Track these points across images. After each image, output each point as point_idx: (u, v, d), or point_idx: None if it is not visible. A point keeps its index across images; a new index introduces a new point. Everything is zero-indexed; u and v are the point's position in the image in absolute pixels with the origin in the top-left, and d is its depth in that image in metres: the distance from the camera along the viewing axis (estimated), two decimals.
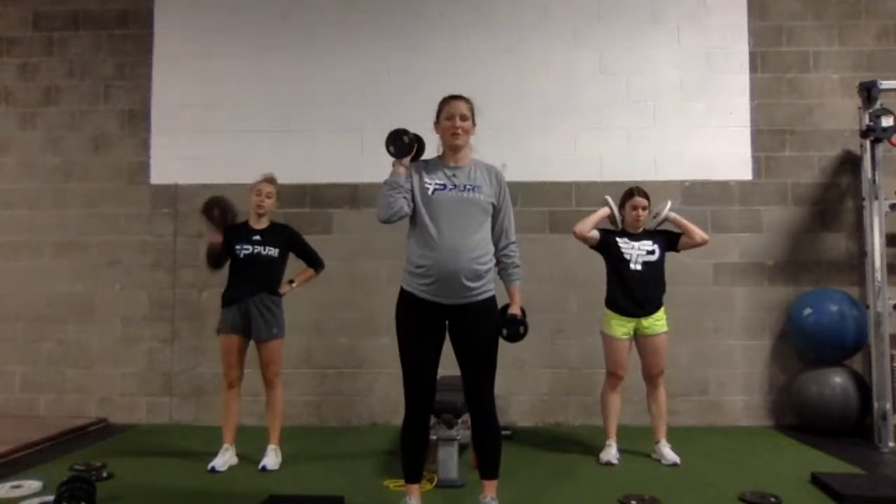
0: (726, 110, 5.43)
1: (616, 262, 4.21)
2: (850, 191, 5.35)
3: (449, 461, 3.69)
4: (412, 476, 3.14)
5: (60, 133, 5.63)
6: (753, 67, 5.45)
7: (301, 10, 5.57)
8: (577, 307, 5.28)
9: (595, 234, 4.21)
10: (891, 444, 4.58)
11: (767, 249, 5.39)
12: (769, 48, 5.47)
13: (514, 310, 3.13)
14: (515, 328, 3.09)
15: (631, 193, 4.27)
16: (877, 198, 4.84)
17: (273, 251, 4.11)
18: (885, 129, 4.80)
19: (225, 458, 4.04)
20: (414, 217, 3.07)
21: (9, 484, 3.63)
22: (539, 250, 5.28)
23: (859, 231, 5.24)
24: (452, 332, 3.07)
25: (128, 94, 5.61)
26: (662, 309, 4.22)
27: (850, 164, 5.36)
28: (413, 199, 3.06)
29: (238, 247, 4.09)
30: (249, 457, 4.15)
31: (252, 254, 4.08)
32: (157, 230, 5.52)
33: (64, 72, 5.66)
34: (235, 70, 5.55)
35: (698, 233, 4.24)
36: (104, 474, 3.81)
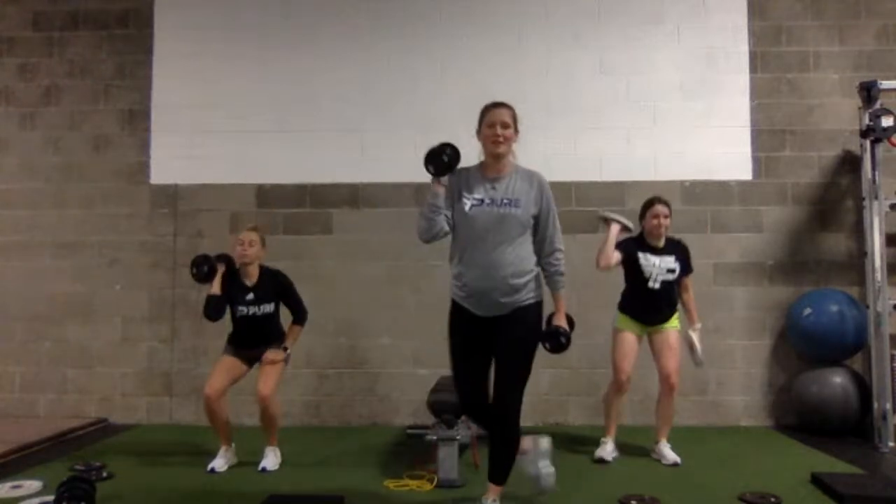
0: (726, 110, 5.43)
1: (635, 278, 4.18)
2: (850, 191, 5.35)
3: (449, 461, 3.68)
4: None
5: (60, 133, 5.63)
6: (753, 67, 5.45)
7: (301, 9, 5.57)
8: (577, 307, 5.22)
9: (617, 256, 4.13)
10: (891, 444, 4.58)
11: (767, 249, 5.39)
12: (769, 48, 5.47)
13: (558, 319, 3.13)
14: (557, 340, 3.09)
15: (651, 202, 4.20)
16: (877, 198, 4.84)
17: (268, 307, 4.11)
18: (885, 129, 4.80)
19: (226, 458, 4.05)
20: (454, 216, 3.06)
21: (9, 484, 3.63)
22: None
23: (859, 231, 5.23)
24: (495, 336, 3.05)
25: (128, 94, 5.62)
26: (677, 313, 4.23)
27: (850, 164, 5.36)
28: (452, 212, 3.05)
29: (236, 308, 4.11)
30: (249, 457, 4.14)
31: (248, 315, 4.10)
32: (157, 230, 5.52)
33: (64, 72, 5.66)
34: (235, 70, 5.55)
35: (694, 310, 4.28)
36: (104, 474, 3.81)
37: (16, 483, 3.65)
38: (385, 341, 5.38)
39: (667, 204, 4.19)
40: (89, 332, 5.47)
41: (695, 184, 5.40)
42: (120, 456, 4.29)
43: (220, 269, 4.14)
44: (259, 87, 5.53)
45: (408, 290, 5.36)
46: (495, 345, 3.05)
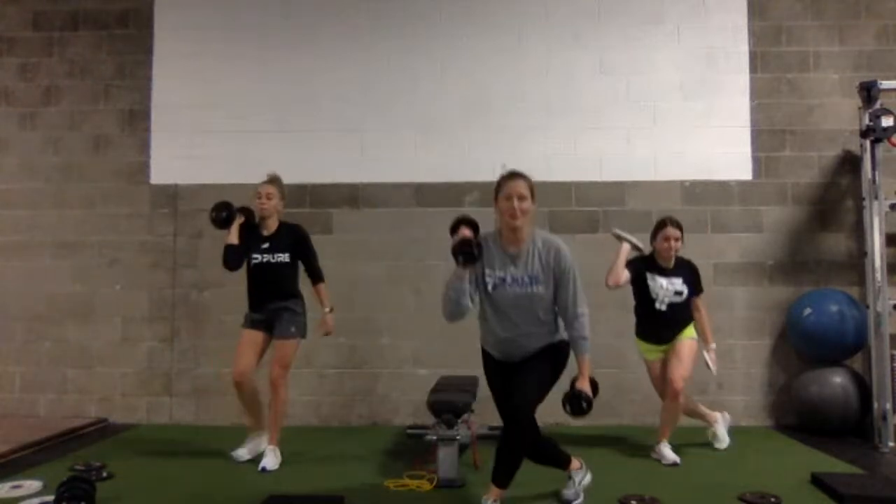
0: (726, 110, 5.43)
1: (643, 298, 4.22)
2: (850, 191, 5.35)
3: (449, 461, 3.68)
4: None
5: (60, 133, 5.63)
6: (753, 67, 5.45)
7: (301, 9, 5.57)
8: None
9: (627, 275, 4.14)
10: (891, 444, 4.58)
11: (767, 249, 5.39)
12: (769, 48, 5.47)
13: (582, 383, 3.16)
14: (578, 404, 3.12)
15: (663, 224, 4.22)
16: (877, 198, 4.84)
17: (283, 256, 4.13)
18: (885, 129, 4.80)
19: (255, 444, 4.15)
20: (479, 297, 3.18)
21: (9, 484, 3.63)
22: None
23: (859, 231, 5.23)
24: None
25: (128, 94, 5.62)
26: (691, 324, 4.25)
27: (850, 164, 5.36)
28: (476, 283, 3.13)
29: (251, 256, 4.13)
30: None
31: (262, 263, 4.11)
32: (157, 230, 5.52)
33: (64, 72, 5.66)
34: (235, 70, 5.55)
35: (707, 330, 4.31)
36: (104, 474, 3.80)
37: (16, 483, 3.65)
38: (385, 341, 5.38)
39: (679, 226, 4.21)
40: (89, 332, 5.47)
41: (695, 184, 5.40)
42: (120, 456, 4.29)
43: (239, 219, 4.18)
44: (259, 87, 5.53)
45: (408, 290, 5.36)
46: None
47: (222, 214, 4.19)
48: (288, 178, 5.45)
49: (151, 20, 5.62)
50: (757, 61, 5.46)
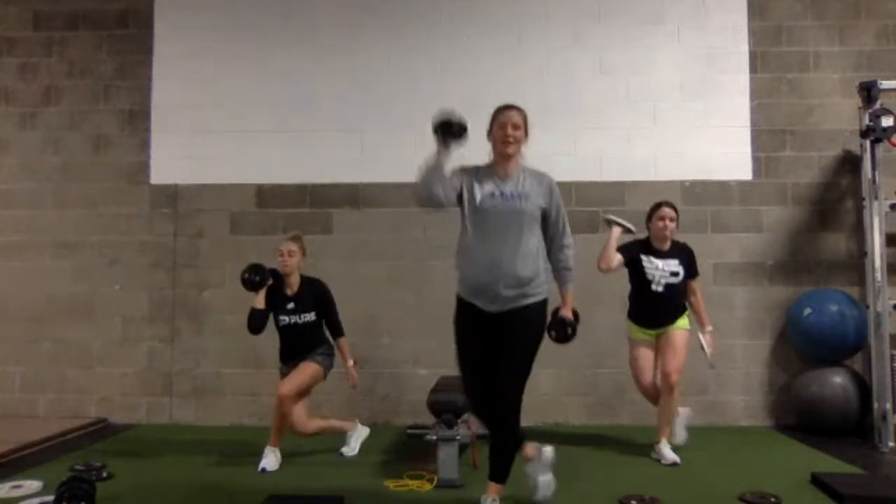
0: (726, 110, 5.43)
1: (638, 280, 4.21)
2: (850, 191, 5.35)
3: (449, 461, 3.68)
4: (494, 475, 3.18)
5: (60, 133, 5.63)
6: (753, 67, 5.45)
7: (301, 9, 5.57)
8: (577, 307, 5.26)
9: (619, 258, 4.16)
10: (891, 444, 4.58)
11: (767, 249, 5.39)
12: (769, 48, 5.47)
13: (566, 312, 3.19)
14: (563, 329, 3.14)
15: (659, 205, 4.25)
16: (877, 198, 4.84)
17: (309, 316, 4.18)
18: (885, 129, 4.80)
19: (276, 456, 4.10)
20: (463, 216, 3.13)
21: (9, 484, 3.63)
22: None
23: (859, 231, 5.23)
24: (497, 336, 3.08)
25: (128, 94, 5.61)
26: (685, 314, 4.24)
27: (850, 164, 5.36)
28: (461, 205, 3.10)
29: (277, 317, 4.19)
30: (249, 457, 4.14)
31: (290, 324, 4.17)
32: (157, 230, 5.52)
33: (64, 72, 5.66)
34: (235, 70, 5.55)
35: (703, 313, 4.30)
36: (104, 474, 3.81)
37: (16, 483, 3.65)
38: (385, 341, 5.38)
39: (674, 207, 4.23)
40: (89, 332, 5.47)
41: (695, 184, 5.40)
42: (120, 456, 4.29)
43: (268, 282, 4.20)
44: (259, 87, 5.53)
45: (408, 290, 5.36)
46: (500, 342, 3.06)
47: (255, 278, 4.20)
48: (288, 178, 5.50)
49: (151, 20, 5.62)
50: (757, 61, 5.46)
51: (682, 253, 4.26)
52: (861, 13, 5.47)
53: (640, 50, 5.47)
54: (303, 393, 4.13)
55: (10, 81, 5.68)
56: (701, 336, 4.24)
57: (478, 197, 3.07)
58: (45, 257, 5.54)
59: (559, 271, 3.20)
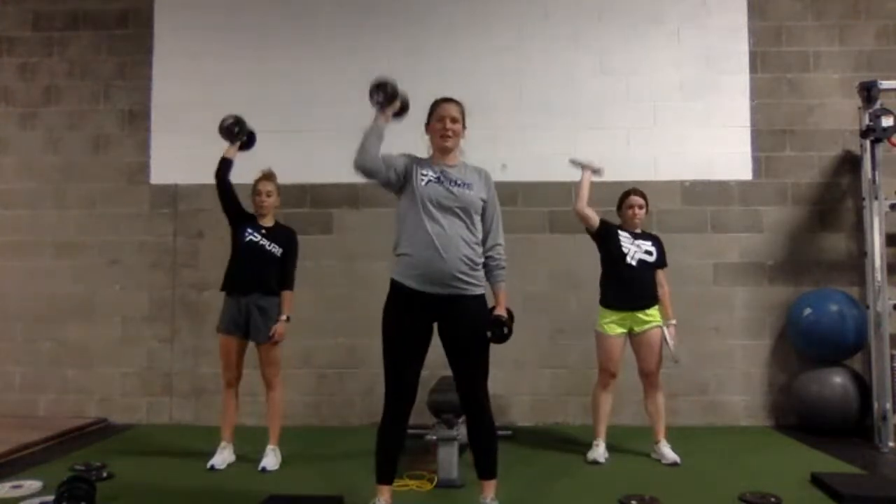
0: (726, 110, 5.43)
1: (613, 254, 4.21)
2: (850, 191, 5.35)
3: (449, 461, 3.68)
4: (384, 477, 3.13)
5: (60, 133, 5.63)
6: (753, 67, 5.45)
7: (301, 9, 5.57)
8: (576, 307, 5.28)
9: (596, 217, 4.22)
10: (891, 444, 4.58)
11: (767, 249, 5.38)
12: (769, 48, 5.47)
13: (500, 311, 3.12)
14: (500, 330, 3.07)
15: (627, 193, 4.32)
16: (877, 198, 4.84)
17: (276, 249, 4.11)
18: (885, 129, 4.80)
19: (223, 456, 4.05)
20: (402, 203, 3.11)
21: (9, 484, 3.63)
22: (539, 250, 5.29)
23: (859, 231, 5.23)
24: (442, 331, 3.07)
25: (128, 94, 5.61)
26: (657, 307, 4.23)
27: (850, 164, 5.36)
28: (405, 187, 3.09)
29: (246, 230, 4.09)
30: (249, 457, 4.15)
31: (256, 243, 4.08)
32: (157, 230, 5.52)
33: (64, 72, 5.66)
34: (235, 70, 5.54)
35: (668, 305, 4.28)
36: (104, 474, 3.80)
37: (16, 483, 3.64)
38: None
39: (642, 195, 4.28)
40: (89, 332, 5.47)
41: (695, 184, 5.40)
42: (120, 456, 4.29)
43: (244, 138, 4.28)
44: (259, 87, 5.52)
45: None
46: (449, 338, 3.06)
47: (234, 128, 4.20)
48: (288, 178, 5.45)
49: (151, 20, 5.62)
50: (757, 61, 5.46)
51: (655, 239, 4.32)
52: (861, 13, 5.47)
53: (640, 50, 5.47)
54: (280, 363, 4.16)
55: (10, 81, 5.68)
56: (664, 329, 4.22)
57: (424, 180, 3.05)
58: (45, 257, 5.54)
59: (493, 269, 3.13)
